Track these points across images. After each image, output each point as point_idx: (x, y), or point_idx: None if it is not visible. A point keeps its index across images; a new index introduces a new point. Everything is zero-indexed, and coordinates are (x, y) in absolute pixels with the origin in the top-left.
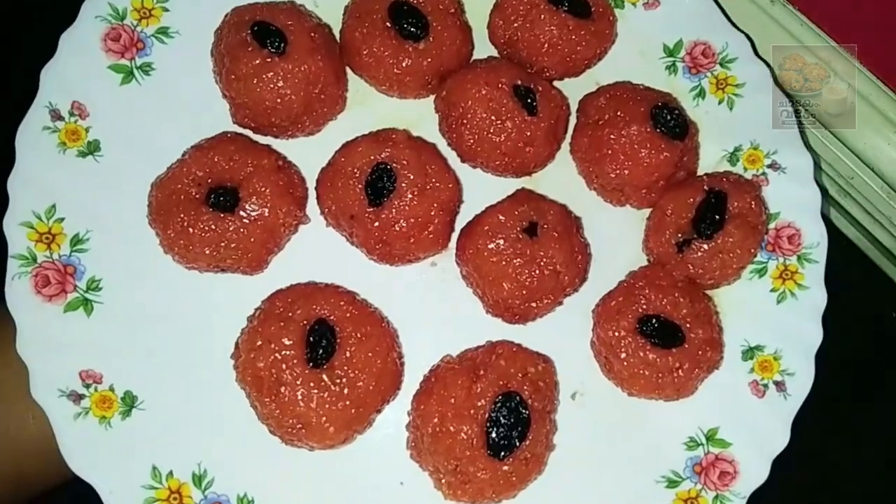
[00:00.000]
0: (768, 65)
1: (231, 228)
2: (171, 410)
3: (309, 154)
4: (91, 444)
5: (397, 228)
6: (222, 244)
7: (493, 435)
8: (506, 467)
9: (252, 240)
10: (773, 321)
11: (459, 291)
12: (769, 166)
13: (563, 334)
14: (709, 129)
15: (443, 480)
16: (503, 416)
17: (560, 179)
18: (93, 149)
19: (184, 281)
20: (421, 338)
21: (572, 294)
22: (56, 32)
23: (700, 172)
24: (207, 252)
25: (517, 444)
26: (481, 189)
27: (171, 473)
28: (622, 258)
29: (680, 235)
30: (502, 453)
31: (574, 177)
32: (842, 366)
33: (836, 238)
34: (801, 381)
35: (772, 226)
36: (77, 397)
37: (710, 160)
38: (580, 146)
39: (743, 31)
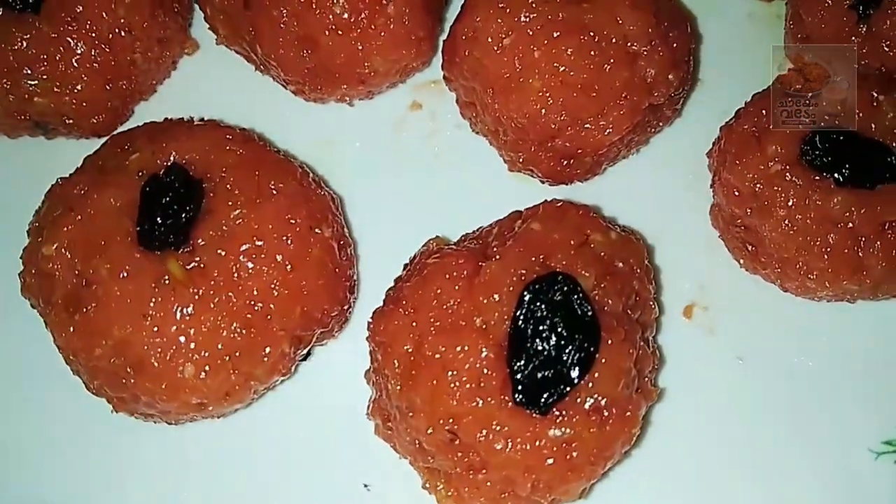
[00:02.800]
0: None
1: (39, 42)
2: None
3: None
4: None
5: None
6: (29, 73)
7: (522, 364)
8: (555, 431)
9: (83, 63)
10: None
11: (455, 140)
12: None
13: (655, 199)
14: None
15: (436, 468)
16: (541, 322)
17: None
18: None
19: None
20: (387, 219)
21: (669, 114)
22: None
23: None
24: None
25: (574, 379)
26: None
27: None
28: (741, 64)
29: None
30: (545, 398)
31: None
32: None
33: None
34: None
35: None
36: None
37: None
38: None
39: None
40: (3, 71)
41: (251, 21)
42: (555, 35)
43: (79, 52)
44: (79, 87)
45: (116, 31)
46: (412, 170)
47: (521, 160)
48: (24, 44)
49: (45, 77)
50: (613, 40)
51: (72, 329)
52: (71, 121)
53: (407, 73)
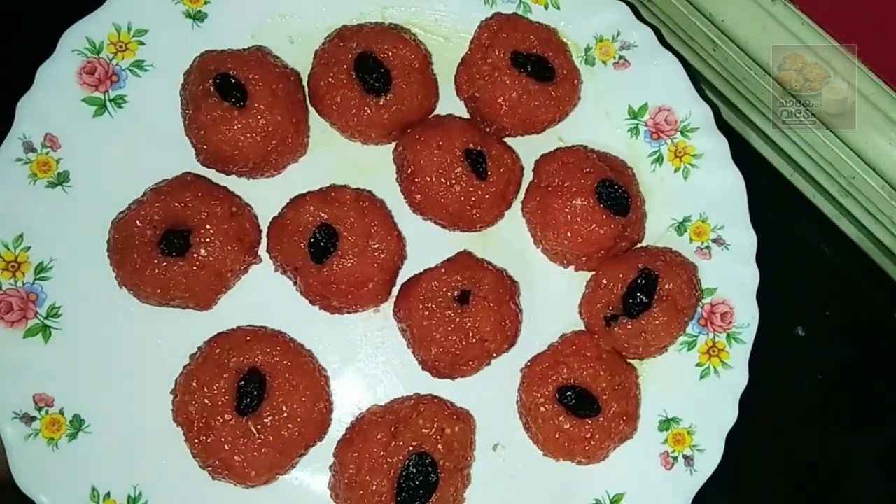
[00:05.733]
0: (733, 136)
1: (180, 272)
2: (115, 436)
3: (268, 195)
4: (38, 463)
5: (336, 286)
6: (171, 286)
7: (403, 493)
8: None
9: (200, 282)
10: (693, 396)
11: (397, 341)
12: (714, 240)
13: (492, 389)
14: (661, 197)
15: None
16: (413, 475)
17: (510, 235)
18: (62, 179)
19: (137, 313)
20: (354, 385)
21: (500, 357)
22: (35, 65)
23: (648, 239)
24: (158, 292)
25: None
26: (430, 242)
27: (108, 495)
28: (561, 320)
29: (610, 309)
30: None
31: (524, 234)
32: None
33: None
34: (709, 459)
35: (707, 300)
36: (29, 419)
37: (658, 228)
38: (529, 208)
39: (710, 102)
40: (170, 294)
41: (294, 275)
42: (444, 329)
43: (205, 279)
44: (198, 302)
45: (225, 268)
46: (368, 354)
47: (424, 367)
48: (179, 279)
49: (186, 294)
50: (476, 334)
51: (199, 446)
52: (191, 306)
53: None
